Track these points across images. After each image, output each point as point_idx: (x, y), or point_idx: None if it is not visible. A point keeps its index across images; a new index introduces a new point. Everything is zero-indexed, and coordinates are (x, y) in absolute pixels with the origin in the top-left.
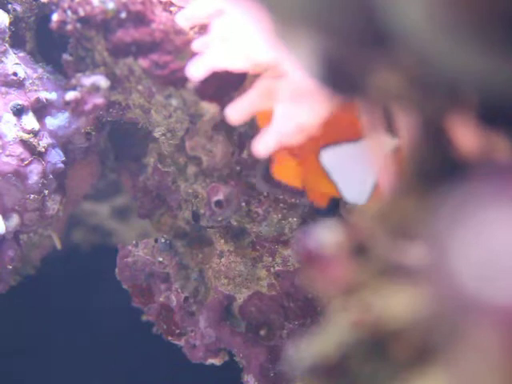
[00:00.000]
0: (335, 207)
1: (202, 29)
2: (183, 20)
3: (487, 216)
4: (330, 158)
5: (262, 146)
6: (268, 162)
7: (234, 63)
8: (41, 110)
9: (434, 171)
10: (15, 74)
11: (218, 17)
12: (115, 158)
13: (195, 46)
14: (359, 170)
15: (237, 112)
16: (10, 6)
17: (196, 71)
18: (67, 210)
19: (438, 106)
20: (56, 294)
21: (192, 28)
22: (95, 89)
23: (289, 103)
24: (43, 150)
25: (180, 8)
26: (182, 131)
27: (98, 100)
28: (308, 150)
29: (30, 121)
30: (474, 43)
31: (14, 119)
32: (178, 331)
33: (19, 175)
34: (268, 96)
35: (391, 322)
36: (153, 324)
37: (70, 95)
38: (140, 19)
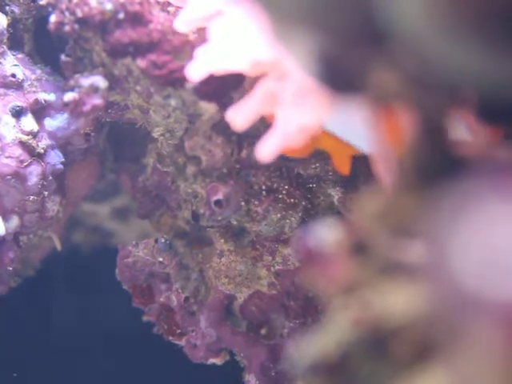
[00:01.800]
0: (358, 168)
1: (201, 29)
2: (182, 25)
3: (487, 213)
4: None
5: (267, 148)
6: None
7: (234, 64)
8: (40, 111)
9: (434, 169)
10: (14, 75)
11: (216, 17)
12: (114, 159)
13: (198, 53)
14: (356, 117)
15: (241, 117)
16: (7, 7)
17: (194, 73)
18: (67, 211)
19: (437, 103)
20: (56, 295)
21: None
22: (94, 90)
23: (291, 104)
24: (42, 151)
25: (178, 8)
26: (181, 131)
27: (97, 101)
28: None
29: (28, 122)
30: (472, 41)
31: (12, 121)
32: (178, 331)
33: (19, 177)
34: (271, 99)
35: (391, 320)
36: (153, 324)
37: (69, 96)
38: (138, 20)
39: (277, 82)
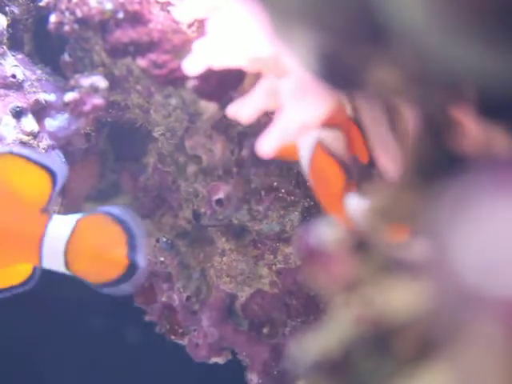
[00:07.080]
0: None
1: (200, 28)
2: (180, 14)
3: (487, 209)
4: None
5: (267, 144)
6: None
7: (232, 60)
8: (40, 111)
9: (434, 165)
10: (14, 76)
11: (215, 13)
12: (115, 159)
13: (195, 47)
14: None
15: (245, 112)
16: (7, 8)
17: (192, 67)
18: (68, 211)
19: (437, 100)
20: (57, 294)
21: (190, 27)
22: (94, 89)
23: (292, 101)
24: (43, 151)
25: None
26: (182, 130)
27: (97, 101)
28: None
29: (29, 123)
30: (472, 37)
31: (13, 121)
32: (180, 330)
33: None
34: (273, 95)
35: (393, 317)
36: (156, 323)
37: (69, 96)
38: (137, 19)
39: (277, 78)
